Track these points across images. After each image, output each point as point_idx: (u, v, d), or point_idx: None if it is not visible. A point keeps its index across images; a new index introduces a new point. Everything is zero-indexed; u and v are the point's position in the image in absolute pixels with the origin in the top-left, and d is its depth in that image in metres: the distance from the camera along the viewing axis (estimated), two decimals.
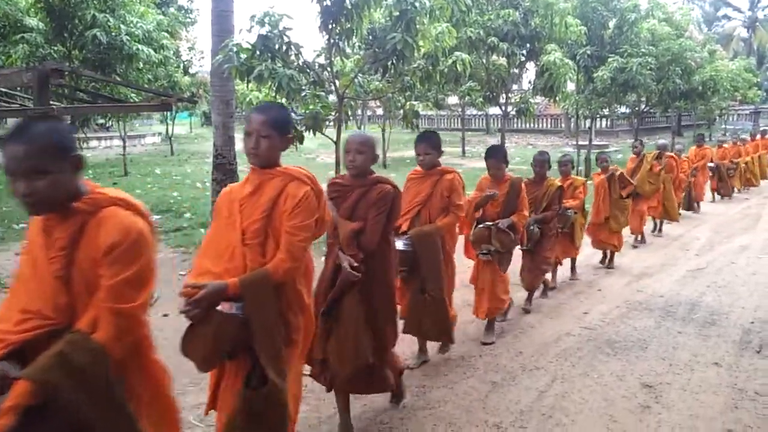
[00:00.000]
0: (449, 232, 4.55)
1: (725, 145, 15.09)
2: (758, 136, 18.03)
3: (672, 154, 10.73)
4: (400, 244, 4.06)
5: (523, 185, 5.37)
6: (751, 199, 14.82)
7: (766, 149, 17.33)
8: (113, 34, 10.73)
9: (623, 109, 21.45)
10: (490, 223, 5.14)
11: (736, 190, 15.19)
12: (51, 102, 6.66)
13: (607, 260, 8.22)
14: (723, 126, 32.16)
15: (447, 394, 4.32)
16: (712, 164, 13.42)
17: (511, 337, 5.48)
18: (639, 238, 9.73)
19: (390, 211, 3.54)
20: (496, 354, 5.08)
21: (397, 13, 7.48)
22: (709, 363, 4.90)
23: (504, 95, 12.83)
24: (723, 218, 12.12)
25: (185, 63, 22.21)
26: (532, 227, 5.78)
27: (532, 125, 34.23)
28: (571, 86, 16.22)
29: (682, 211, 11.31)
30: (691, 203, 12.12)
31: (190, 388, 4.38)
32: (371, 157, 3.56)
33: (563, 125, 33.48)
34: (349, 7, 7.39)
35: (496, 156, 5.31)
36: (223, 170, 9.05)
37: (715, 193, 14.60)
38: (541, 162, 6.19)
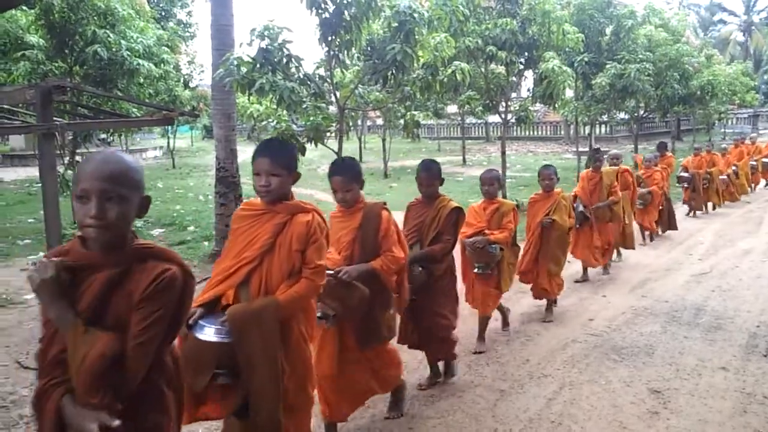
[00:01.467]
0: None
1: (702, 153, 13.44)
2: (747, 141, 17.03)
3: (627, 167, 9.08)
4: (211, 333, 2.65)
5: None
6: (753, 203, 14.81)
7: (754, 155, 16.48)
8: (114, 49, 10.77)
9: (622, 115, 21.51)
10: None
11: (711, 205, 13.43)
12: (54, 118, 6.67)
13: (545, 311, 6.34)
14: (722, 130, 32.22)
15: (455, 402, 4.32)
16: (686, 174, 12.19)
17: (518, 345, 5.48)
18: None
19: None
20: (504, 362, 5.08)
21: (396, 24, 7.51)
22: (716, 367, 4.90)
23: (503, 103, 12.85)
24: (726, 222, 12.12)
25: (185, 77, 22.28)
26: (413, 267, 4.09)
27: (531, 133, 34.33)
28: (569, 93, 16.25)
29: (661, 233, 10.55)
30: (672, 221, 10.57)
31: None
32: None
33: (563, 132, 33.58)
34: (348, 19, 7.42)
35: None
36: (226, 183, 9.07)
37: (686, 206, 12.84)
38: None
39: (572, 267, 7.83)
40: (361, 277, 3.41)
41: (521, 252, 5.95)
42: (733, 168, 14.43)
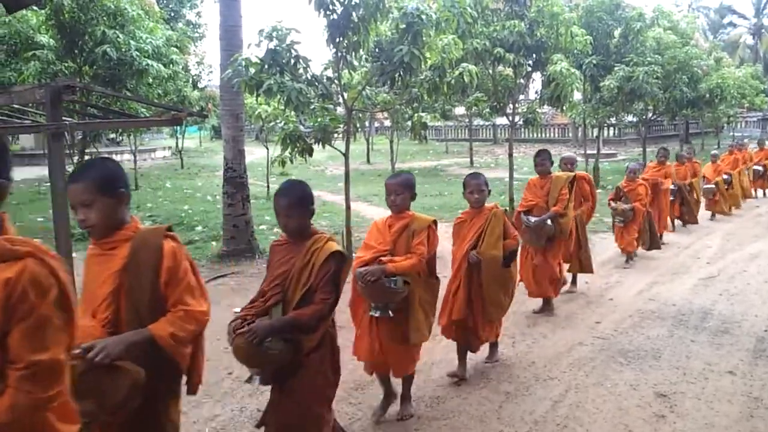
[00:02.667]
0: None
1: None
2: (747, 148, 15.82)
3: (585, 173, 7.99)
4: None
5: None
6: (761, 207, 14.73)
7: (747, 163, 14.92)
8: (123, 49, 10.82)
9: (630, 118, 21.43)
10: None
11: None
12: (63, 118, 6.71)
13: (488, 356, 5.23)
14: (731, 133, 32.06)
15: (461, 404, 4.32)
16: (673, 186, 10.43)
17: (523, 348, 5.48)
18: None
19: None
20: (509, 364, 5.08)
21: (404, 26, 7.53)
22: (723, 372, 4.88)
23: (511, 105, 12.83)
24: (733, 226, 12.07)
25: (194, 77, 22.38)
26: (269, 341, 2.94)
27: (539, 135, 34.28)
28: (577, 95, 16.20)
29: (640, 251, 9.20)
30: (655, 239, 9.24)
31: (205, 400, 4.41)
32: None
33: (570, 134, 33.50)
34: (356, 20, 7.45)
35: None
36: (234, 183, 9.10)
37: (677, 221, 11.53)
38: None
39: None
40: (130, 353, 2.25)
41: (447, 292, 4.65)
42: (725, 177, 13.01)
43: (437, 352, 5.25)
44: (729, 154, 14.39)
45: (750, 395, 4.45)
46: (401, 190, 3.94)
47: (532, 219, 6.14)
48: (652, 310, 6.53)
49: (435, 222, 3.96)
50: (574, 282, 7.40)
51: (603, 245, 9.67)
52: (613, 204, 8.71)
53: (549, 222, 6.13)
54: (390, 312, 3.77)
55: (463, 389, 4.58)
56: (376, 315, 3.78)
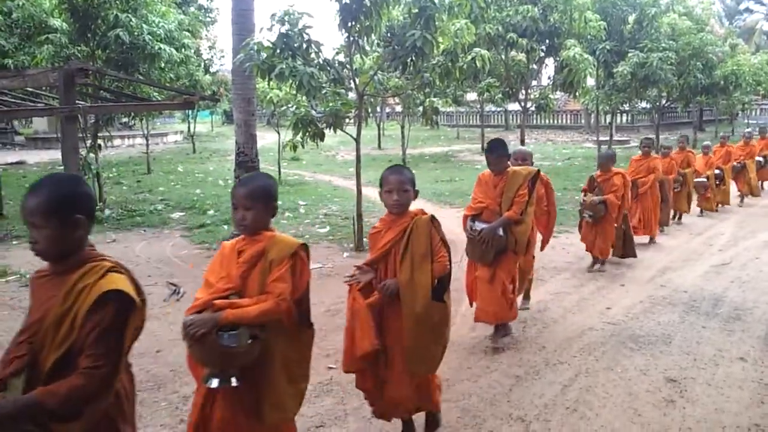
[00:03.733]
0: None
1: (673, 153, 10.67)
2: (746, 139, 13.93)
3: (543, 175, 5.75)
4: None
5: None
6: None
7: (748, 156, 13.32)
8: (135, 33, 10.86)
9: (644, 105, 21.30)
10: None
11: (677, 215, 10.79)
12: (76, 101, 6.77)
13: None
14: (746, 121, 31.78)
15: (471, 387, 4.35)
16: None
17: (534, 332, 5.49)
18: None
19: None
20: (519, 348, 5.09)
21: (416, 11, 7.50)
22: (734, 358, 4.88)
23: (523, 91, 12.79)
24: (747, 213, 12.00)
25: (206, 62, 22.41)
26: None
27: (551, 121, 34.15)
28: (590, 81, 16.12)
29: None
30: (630, 245, 7.88)
31: None
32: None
33: (583, 121, 33.33)
34: (368, 4, 7.43)
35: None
36: (245, 167, 9.12)
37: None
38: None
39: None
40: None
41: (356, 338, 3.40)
42: (717, 171, 11.80)
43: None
44: (720, 146, 12.85)
45: (761, 381, 4.44)
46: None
47: (479, 226, 4.88)
48: (663, 296, 6.52)
49: (304, 247, 2.77)
50: (526, 297, 6.19)
51: None
52: (583, 196, 7.57)
53: (500, 231, 4.84)
54: (233, 381, 2.58)
55: (473, 372, 4.60)
56: (213, 386, 2.59)
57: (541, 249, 6.02)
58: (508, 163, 5.14)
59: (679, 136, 12.47)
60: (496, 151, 4.96)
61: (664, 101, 20.20)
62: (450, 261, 3.47)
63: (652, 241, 9.06)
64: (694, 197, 11.24)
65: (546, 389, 4.32)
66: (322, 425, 3.85)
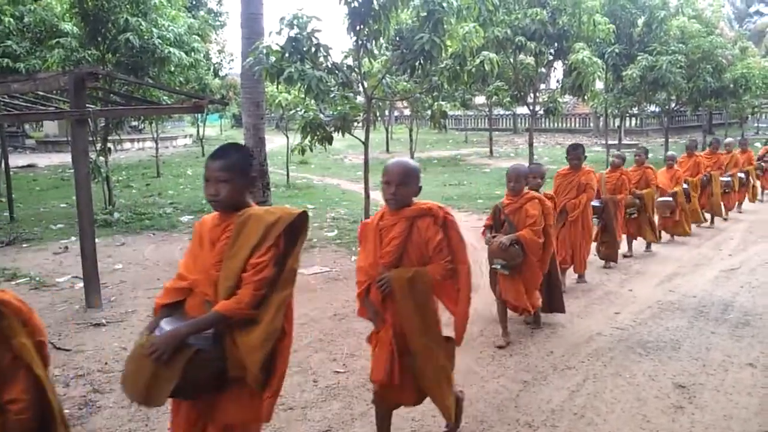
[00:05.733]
0: None
1: (632, 168, 8.79)
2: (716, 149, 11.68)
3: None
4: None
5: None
6: None
7: (715, 167, 11.15)
8: (145, 37, 10.91)
9: (653, 108, 21.22)
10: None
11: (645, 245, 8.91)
12: (87, 105, 6.80)
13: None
14: (756, 124, 31.60)
15: (478, 392, 4.34)
16: (597, 202, 7.48)
17: (542, 337, 5.47)
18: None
19: None
20: (527, 353, 5.08)
21: (425, 14, 7.51)
22: (743, 364, 4.85)
23: (532, 94, 12.77)
24: (756, 218, 11.92)
25: (215, 65, 22.47)
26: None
27: (560, 125, 34.06)
28: (599, 85, 16.08)
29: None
30: (555, 297, 5.79)
31: None
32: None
33: (592, 124, 33.21)
34: (377, 8, 7.44)
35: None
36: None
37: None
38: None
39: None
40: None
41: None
42: (684, 187, 9.76)
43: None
44: (688, 156, 10.58)
45: None
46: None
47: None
48: (672, 302, 6.49)
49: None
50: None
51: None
52: (487, 235, 5.27)
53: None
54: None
55: (480, 377, 4.59)
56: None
57: (457, 342, 3.53)
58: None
59: (636, 147, 9.74)
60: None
61: (673, 105, 20.11)
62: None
63: (581, 279, 7.19)
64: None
65: (554, 395, 4.31)
66: (329, 429, 3.85)
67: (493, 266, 5.14)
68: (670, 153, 10.45)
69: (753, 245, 9.38)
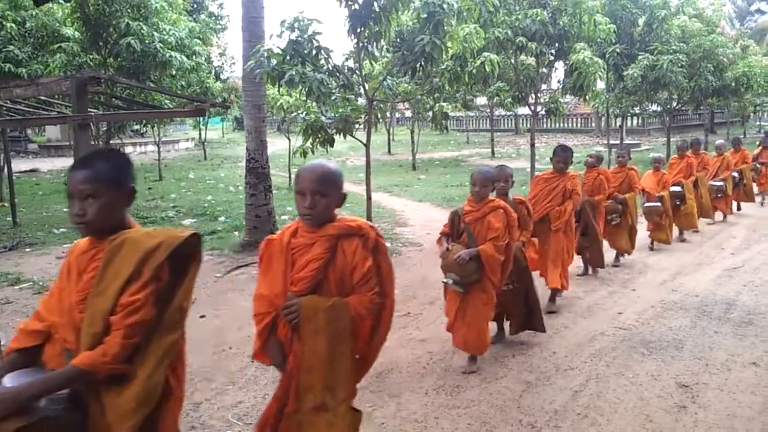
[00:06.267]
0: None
1: (612, 169, 8.31)
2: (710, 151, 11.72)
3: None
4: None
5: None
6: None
7: (701, 167, 10.42)
8: (147, 41, 10.94)
9: (654, 107, 21.20)
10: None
11: (615, 257, 8.10)
12: (89, 109, 6.83)
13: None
14: (758, 123, 31.56)
15: (481, 393, 4.34)
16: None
17: (544, 337, 5.47)
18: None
19: None
20: (530, 354, 5.08)
21: (425, 16, 7.51)
22: (746, 363, 4.85)
23: (533, 95, 12.75)
24: (759, 217, 11.91)
25: (217, 69, 22.54)
26: None
27: (561, 125, 34.08)
28: (601, 85, 16.07)
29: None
30: (534, 316, 5.24)
31: (228, 388, 4.48)
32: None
33: (593, 124, 33.22)
34: (377, 10, 7.45)
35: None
36: (256, 174, 9.17)
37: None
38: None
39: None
40: None
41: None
42: (676, 188, 9.24)
43: None
44: (679, 158, 9.93)
45: None
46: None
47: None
48: (674, 301, 6.49)
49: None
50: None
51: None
52: (444, 245, 4.61)
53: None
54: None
55: (483, 378, 4.59)
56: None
57: (352, 396, 2.82)
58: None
59: (619, 148, 8.85)
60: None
61: (674, 104, 20.09)
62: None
63: (557, 294, 6.30)
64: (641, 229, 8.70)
65: (557, 395, 4.31)
66: None
67: (445, 280, 4.57)
68: (656, 155, 9.70)
69: (756, 244, 9.37)
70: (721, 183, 10.75)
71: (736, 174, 11.47)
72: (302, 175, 2.59)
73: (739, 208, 12.14)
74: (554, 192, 6.06)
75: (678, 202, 9.29)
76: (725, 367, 4.76)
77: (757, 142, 13.90)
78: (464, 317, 4.57)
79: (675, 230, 9.42)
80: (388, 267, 2.73)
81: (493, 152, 25.57)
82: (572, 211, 6.10)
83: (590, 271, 7.59)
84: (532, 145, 12.74)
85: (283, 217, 11.17)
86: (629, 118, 25.45)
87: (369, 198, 8.65)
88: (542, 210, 6.02)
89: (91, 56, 11.11)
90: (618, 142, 18.92)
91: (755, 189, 12.67)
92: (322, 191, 2.55)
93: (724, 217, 11.39)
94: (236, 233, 10.06)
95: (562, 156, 6.10)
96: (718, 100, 20.67)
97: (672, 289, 6.95)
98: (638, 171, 8.30)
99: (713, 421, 3.92)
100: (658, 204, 8.57)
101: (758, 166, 12.71)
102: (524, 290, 5.11)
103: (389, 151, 26.97)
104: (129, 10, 11.17)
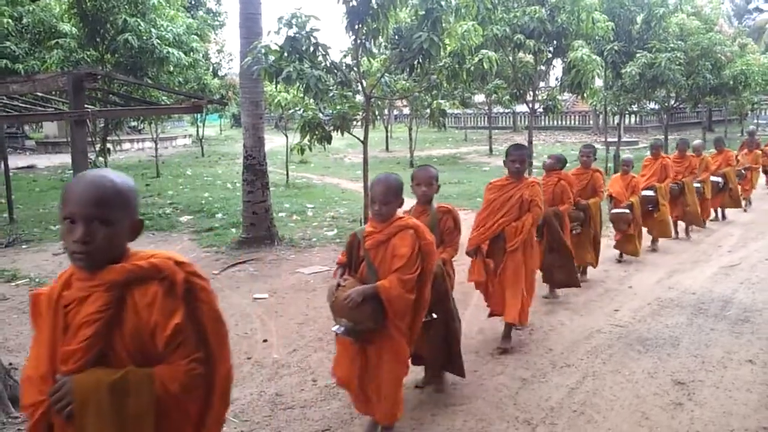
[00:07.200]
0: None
1: (573, 171, 7.22)
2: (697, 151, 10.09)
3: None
4: None
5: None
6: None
7: (687, 172, 9.43)
8: (144, 38, 10.92)
9: (652, 105, 21.19)
10: None
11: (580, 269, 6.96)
12: (86, 105, 6.80)
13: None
14: (756, 120, 31.57)
15: (477, 390, 4.35)
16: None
17: (540, 335, 5.48)
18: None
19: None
20: (526, 351, 5.09)
21: (423, 12, 7.50)
22: (742, 360, 4.86)
23: (531, 92, 12.75)
24: (756, 214, 11.92)
25: (214, 65, 22.48)
26: None
27: (559, 122, 34.09)
28: (598, 82, 16.05)
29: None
30: (455, 363, 4.31)
31: None
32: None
33: (591, 122, 33.23)
34: (375, 7, 7.43)
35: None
36: (253, 171, 9.16)
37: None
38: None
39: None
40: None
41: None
42: (649, 193, 8.43)
43: None
44: (653, 158, 8.97)
45: None
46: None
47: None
48: (671, 299, 6.50)
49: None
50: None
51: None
52: (336, 279, 3.51)
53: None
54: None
55: (479, 375, 4.60)
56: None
57: None
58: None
59: (581, 146, 7.60)
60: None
61: (672, 102, 20.09)
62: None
63: (517, 327, 5.31)
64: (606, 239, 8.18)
65: (553, 392, 4.31)
66: (328, 429, 3.86)
67: (334, 328, 3.47)
68: (625, 156, 9.09)
69: (753, 242, 9.38)
70: (699, 185, 9.67)
71: (719, 179, 10.47)
72: (71, 192, 1.80)
73: (723, 217, 11.30)
74: (509, 203, 4.96)
75: (650, 208, 8.41)
76: (721, 365, 4.77)
77: (741, 143, 13.55)
78: (370, 381, 3.48)
79: (676, 230, 9.44)
80: (215, 318, 1.92)
81: (491, 150, 25.55)
82: (532, 226, 4.97)
83: (551, 295, 6.47)
84: (530, 143, 12.73)
85: (280, 214, 11.17)
86: (627, 115, 25.45)
87: (366, 195, 8.64)
88: (495, 225, 4.97)
89: (88, 52, 11.08)
90: (615, 139, 18.93)
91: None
92: (103, 216, 1.77)
93: (724, 216, 11.30)
94: (233, 230, 10.05)
95: (517, 155, 4.94)
96: (716, 98, 20.68)
97: (668, 287, 6.96)
98: (603, 173, 7.51)
99: (709, 418, 3.93)
100: (626, 211, 7.72)
101: (743, 172, 11.87)
102: (443, 322, 4.05)
103: (387, 148, 26.94)
104: (126, 6, 11.14)
